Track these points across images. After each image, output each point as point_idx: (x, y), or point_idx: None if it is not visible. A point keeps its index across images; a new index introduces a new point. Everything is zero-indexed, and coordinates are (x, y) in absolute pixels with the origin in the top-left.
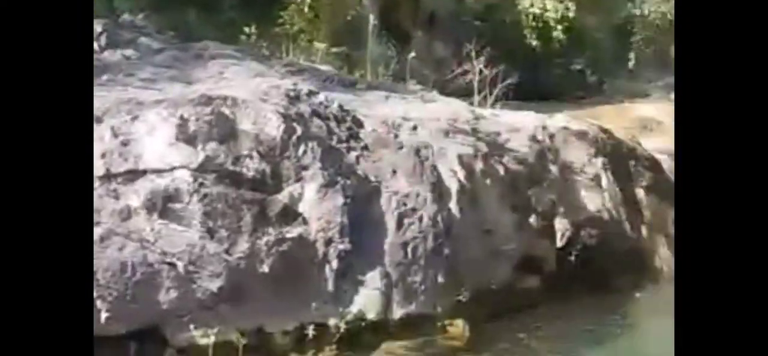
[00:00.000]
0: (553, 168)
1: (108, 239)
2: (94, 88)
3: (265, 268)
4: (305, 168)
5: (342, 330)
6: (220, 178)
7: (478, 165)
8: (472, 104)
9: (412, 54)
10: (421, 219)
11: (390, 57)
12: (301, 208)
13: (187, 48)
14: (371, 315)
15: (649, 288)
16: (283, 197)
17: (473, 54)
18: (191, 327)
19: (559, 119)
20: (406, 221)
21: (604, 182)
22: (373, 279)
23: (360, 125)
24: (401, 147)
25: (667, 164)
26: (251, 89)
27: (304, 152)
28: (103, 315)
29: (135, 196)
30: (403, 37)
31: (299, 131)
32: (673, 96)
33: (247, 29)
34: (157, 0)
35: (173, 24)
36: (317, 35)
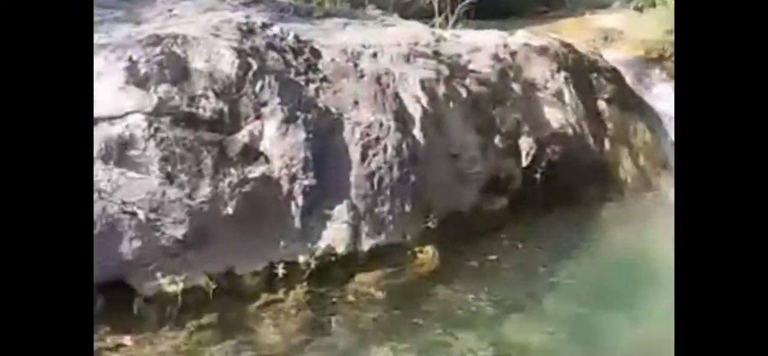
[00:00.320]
0: (516, 86)
1: None
2: None
3: (230, 210)
4: (264, 105)
5: (312, 267)
6: (176, 121)
7: (441, 89)
8: (433, 26)
9: None
10: (385, 149)
11: None
12: (263, 146)
13: None
14: (340, 249)
15: (615, 199)
16: (242, 136)
17: None
18: (158, 275)
19: (520, 36)
20: (370, 151)
21: (566, 97)
22: (340, 213)
23: (318, 55)
24: (362, 76)
25: (629, 74)
26: (202, 25)
27: (262, 87)
28: None
29: None
30: None
31: (255, 66)
32: (633, 5)
33: None
34: None
35: None
36: None
